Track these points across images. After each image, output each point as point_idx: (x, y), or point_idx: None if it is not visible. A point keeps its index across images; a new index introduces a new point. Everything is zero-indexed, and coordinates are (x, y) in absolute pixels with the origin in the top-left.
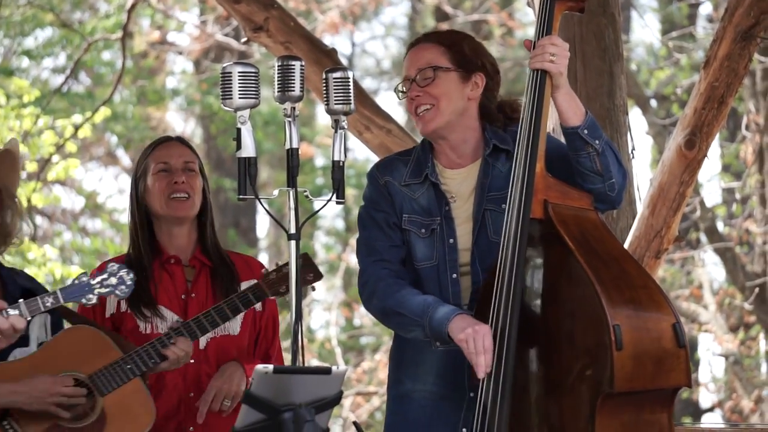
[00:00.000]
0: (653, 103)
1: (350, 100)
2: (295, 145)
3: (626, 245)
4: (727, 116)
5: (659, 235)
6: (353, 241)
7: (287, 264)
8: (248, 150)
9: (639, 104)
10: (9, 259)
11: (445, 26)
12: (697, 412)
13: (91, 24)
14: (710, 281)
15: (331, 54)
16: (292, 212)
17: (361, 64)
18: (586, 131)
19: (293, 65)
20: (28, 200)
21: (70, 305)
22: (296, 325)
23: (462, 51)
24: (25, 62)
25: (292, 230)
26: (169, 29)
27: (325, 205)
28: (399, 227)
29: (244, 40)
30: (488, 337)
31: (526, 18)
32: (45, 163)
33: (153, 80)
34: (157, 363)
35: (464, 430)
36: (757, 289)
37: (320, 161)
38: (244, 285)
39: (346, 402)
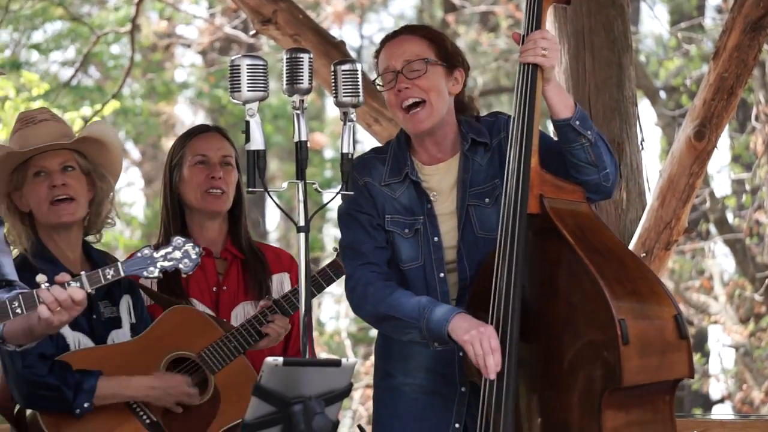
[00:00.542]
0: (662, 94)
1: (359, 92)
2: (303, 138)
3: (635, 237)
4: (737, 107)
5: (669, 227)
6: None
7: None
8: (257, 143)
9: (648, 95)
10: None
11: (451, 18)
12: (707, 404)
13: (100, 17)
14: (720, 272)
15: (339, 46)
16: (301, 205)
17: (369, 56)
18: (578, 122)
19: (302, 58)
20: None
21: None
22: (306, 317)
23: (445, 46)
24: (34, 56)
25: (302, 223)
26: (178, 22)
27: (334, 197)
28: (383, 228)
29: (252, 32)
30: (494, 337)
31: None
32: None
33: (162, 73)
34: (257, 341)
35: (457, 425)
36: (767, 281)
37: (329, 153)
38: (275, 278)
39: (356, 394)
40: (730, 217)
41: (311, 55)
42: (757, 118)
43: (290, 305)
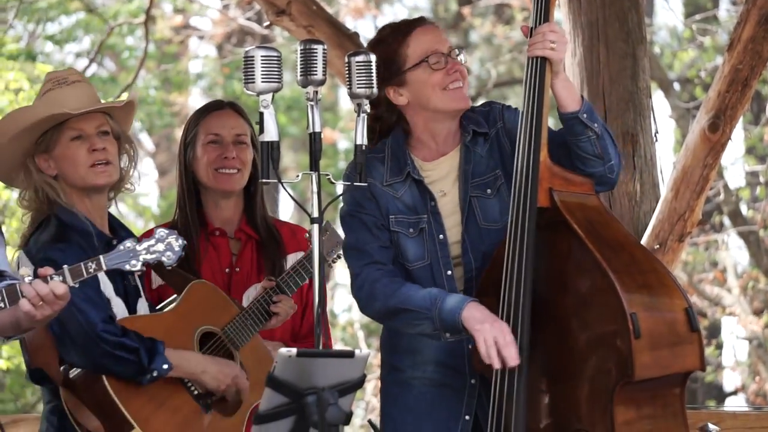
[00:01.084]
0: (676, 86)
1: (373, 83)
2: (317, 129)
3: (649, 229)
4: (751, 99)
5: (683, 219)
6: None
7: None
8: (271, 134)
9: (662, 87)
10: None
11: (466, 11)
12: (720, 396)
13: (114, 8)
14: (734, 265)
15: (353, 38)
16: (315, 196)
17: None
18: (585, 115)
19: (316, 49)
20: None
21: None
22: (319, 308)
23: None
24: (49, 47)
25: (315, 214)
26: (192, 13)
27: (348, 188)
28: (386, 228)
29: (266, 24)
30: (509, 332)
31: None
32: None
33: (176, 65)
34: (267, 320)
35: (467, 417)
36: None
37: (343, 145)
38: (291, 257)
39: (369, 386)
40: (743, 209)
41: (325, 47)
42: None
43: (287, 286)
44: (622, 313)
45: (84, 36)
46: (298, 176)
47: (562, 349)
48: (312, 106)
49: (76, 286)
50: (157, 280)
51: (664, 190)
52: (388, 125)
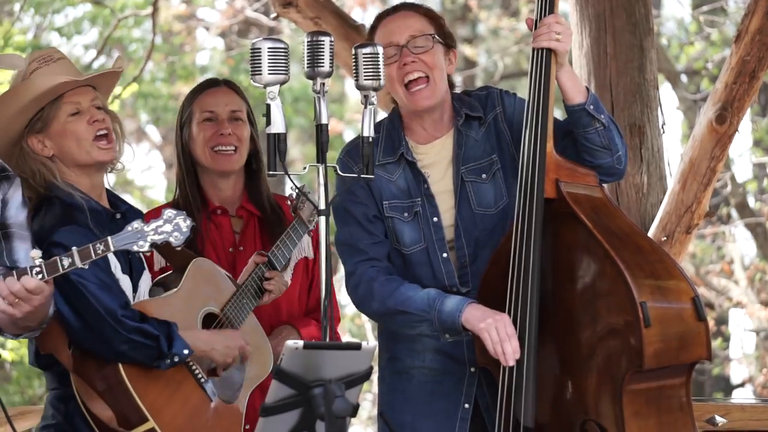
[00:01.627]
0: (684, 78)
1: (380, 75)
2: (324, 121)
3: (656, 221)
4: (759, 91)
5: (690, 211)
6: None
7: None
8: (278, 126)
9: (669, 79)
10: None
11: (473, 3)
12: (728, 388)
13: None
14: (741, 256)
15: (360, 29)
16: (322, 188)
17: None
18: (592, 107)
19: (322, 41)
20: None
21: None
22: (326, 300)
23: (443, 26)
24: (55, 39)
25: (322, 206)
26: (199, 5)
27: (355, 180)
28: (379, 218)
29: (273, 15)
30: (510, 324)
31: None
32: None
33: (183, 57)
34: (260, 298)
35: (466, 405)
36: None
37: (350, 136)
38: None
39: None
40: (751, 201)
41: (332, 38)
42: None
43: (276, 259)
44: (632, 302)
45: (91, 28)
46: (305, 168)
47: (571, 340)
48: (319, 98)
49: (86, 267)
50: (160, 262)
51: (672, 182)
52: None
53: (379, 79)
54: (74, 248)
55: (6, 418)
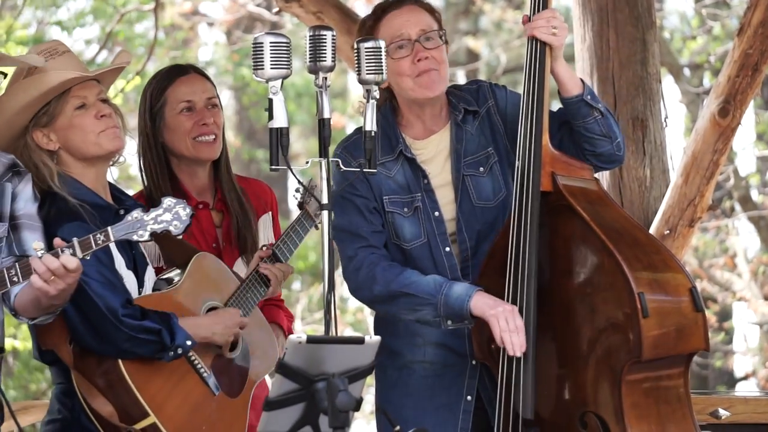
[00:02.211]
0: (686, 71)
1: (382, 69)
2: (326, 116)
3: (659, 214)
4: (762, 84)
5: (693, 204)
6: None
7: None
8: (280, 120)
9: (672, 72)
10: None
11: None
12: (731, 381)
13: None
14: (744, 250)
15: None
16: (324, 182)
17: None
18: (589, 97)
19: (325, 35)
20: None
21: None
22: (329, 294)
23: (441, 22)
24: (57, 33)
25: (324, 201)
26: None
27: (357, 174)
28: (379, 211)
29: (275, 10)
30: (519, 317)
31: None
32: None
33: (185, 52)
34: (265, 291)
35: (468, 397)
36: None
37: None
38: (261, 222)
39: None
40: (754, 194)
41: (334, 33)
42: None
43: (281, 253)
44: (630, 292)
45: (93, 22)
46: (307, 162)
47: (569, 332)
48: (321, 93)
49: (87, 258)
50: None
51: (674, 175)
52: (381, 101)
53: (382, 73)
54: (75, 239)
55: (10, 413)
